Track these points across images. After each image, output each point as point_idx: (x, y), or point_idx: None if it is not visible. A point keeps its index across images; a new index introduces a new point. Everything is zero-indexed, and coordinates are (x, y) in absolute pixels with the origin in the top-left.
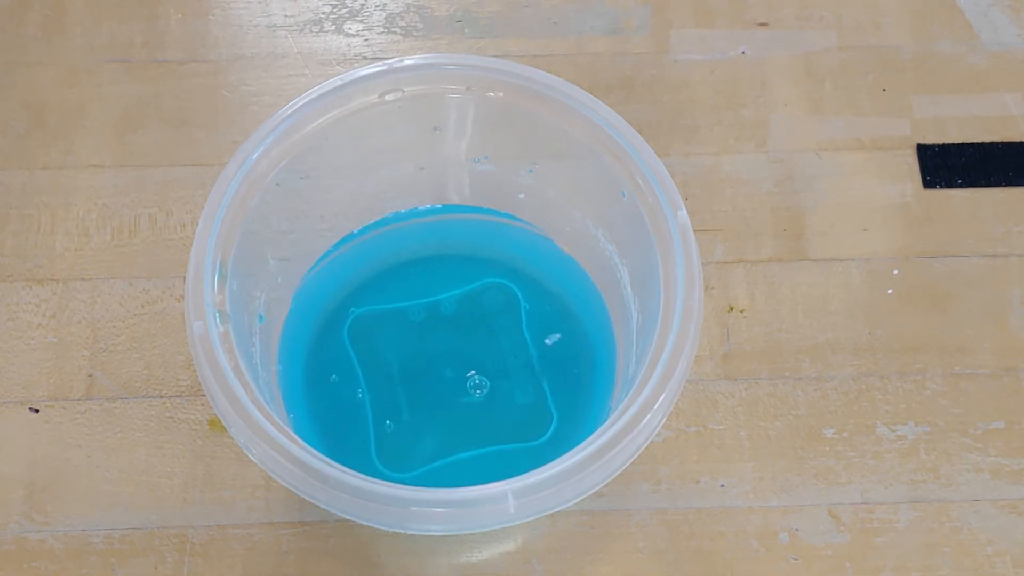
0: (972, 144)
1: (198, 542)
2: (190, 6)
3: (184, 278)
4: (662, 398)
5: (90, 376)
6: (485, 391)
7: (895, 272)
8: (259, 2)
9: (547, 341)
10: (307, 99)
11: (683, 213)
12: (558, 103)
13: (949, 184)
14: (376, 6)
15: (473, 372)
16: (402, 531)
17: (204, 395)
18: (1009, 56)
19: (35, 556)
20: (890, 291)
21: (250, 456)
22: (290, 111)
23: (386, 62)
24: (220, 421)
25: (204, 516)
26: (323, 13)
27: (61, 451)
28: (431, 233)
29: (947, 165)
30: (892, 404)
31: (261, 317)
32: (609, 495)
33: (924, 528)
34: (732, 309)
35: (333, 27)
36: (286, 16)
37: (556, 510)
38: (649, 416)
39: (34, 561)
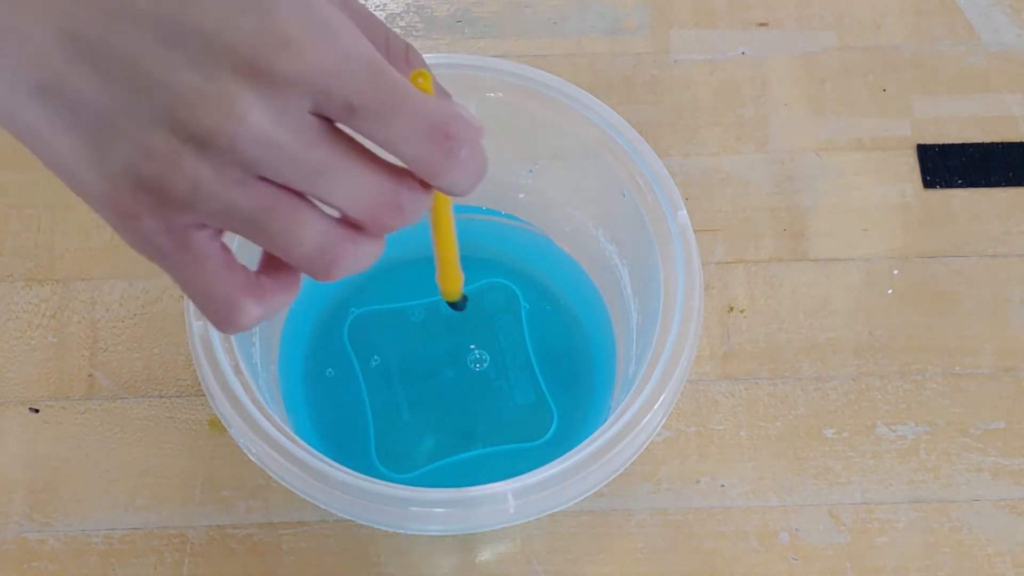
0: (972, 144)
1: (198, 542)
2: None
3: None
4: (662, 398)
5: (90, 376)
6: (486, 365)
7: (895, 272)
8: None
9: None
10: None
11: (683, 213)
12: (558, 103)
13: (949, 184)
14: (376, 6)
15: (474, 346)
16: (402, 531)
17: (204, 395)
18: (1009, 56)
19: (35, 556)
20: (890, 291)
21: (250, 456)
22: None
23: None
24: (220, 421)
25: (204, 516)
26: None
27: (61, 451)
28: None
29: (947, 165)
30: (892, 404)
31: None
32: (609, 495)
33: (924, 528)
34: (732, 309)
35: None
36: None
37: (556, 510)
38: (649, 416)
39: (34, 561)
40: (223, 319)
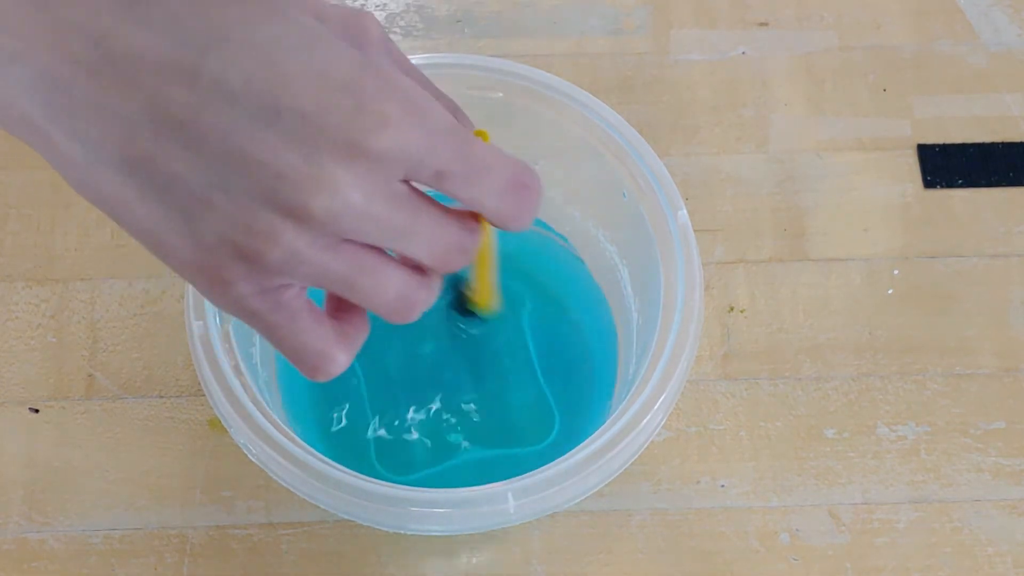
0: (972, 144)
1: (198, 542)
2: None
3: None
4: (662, 398)
5: (90, 376)
6: (486, 365)
7: (895, 272)
8: None
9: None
10: None
11: (683, 213)
12: (558, 103)
13: (949, 184)
14: (376, 6)
15: (475, 347)
16: (402, 531)
17: (204, 395)
18: (1009, 56)
19: (35, 556)
20: (890, 291)
21: (250, 456)
22: None
23: None
24: (220, 421)
25: (204, 516)
26: None
27: (61, 451)
28: None
29: (947, 165)
30: (892, 404)
31: None
32: (609, 495)
33: (924, 528)
34: (732, 309)
35: None
36: None
37: (556, 510)
38: (649, 416)
39: (34, 561)
40: (315, 369)
